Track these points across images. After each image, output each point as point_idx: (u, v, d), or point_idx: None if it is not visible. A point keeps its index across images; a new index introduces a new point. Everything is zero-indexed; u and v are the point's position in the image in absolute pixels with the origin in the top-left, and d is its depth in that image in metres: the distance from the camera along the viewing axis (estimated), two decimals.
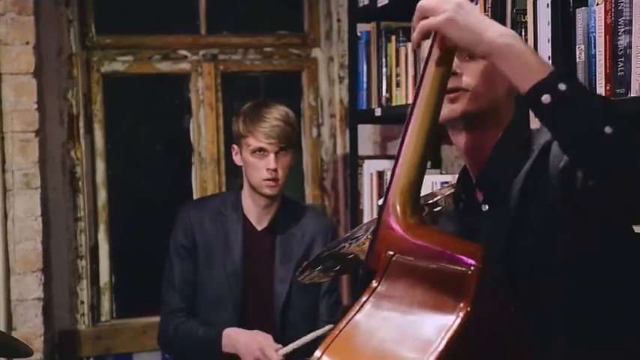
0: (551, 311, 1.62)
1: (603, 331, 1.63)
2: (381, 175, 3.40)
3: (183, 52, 4.00)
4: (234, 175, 3.85)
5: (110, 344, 3.84)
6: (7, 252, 3.51)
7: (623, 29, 1.96)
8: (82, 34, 3.85)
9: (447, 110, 1.64)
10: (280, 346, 2.82)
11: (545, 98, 1.44)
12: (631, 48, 1.94)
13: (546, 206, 1.60)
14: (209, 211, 3.04)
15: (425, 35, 1.59)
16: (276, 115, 2.91)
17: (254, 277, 3.00)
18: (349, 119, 3.68)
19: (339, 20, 4.06)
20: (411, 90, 3.10)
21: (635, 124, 1.55)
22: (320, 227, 3.09)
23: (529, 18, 2.30)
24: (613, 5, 1.99)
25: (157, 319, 3.14)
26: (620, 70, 1.97)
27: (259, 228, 3.04)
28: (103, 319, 3.92)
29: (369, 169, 3.47)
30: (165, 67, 3.98)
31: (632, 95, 1.94)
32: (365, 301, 1.46)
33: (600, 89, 2.04)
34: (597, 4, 2.04)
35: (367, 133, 3.89)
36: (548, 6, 2.20)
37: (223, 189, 3.96)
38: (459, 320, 1.35)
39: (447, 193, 2.13)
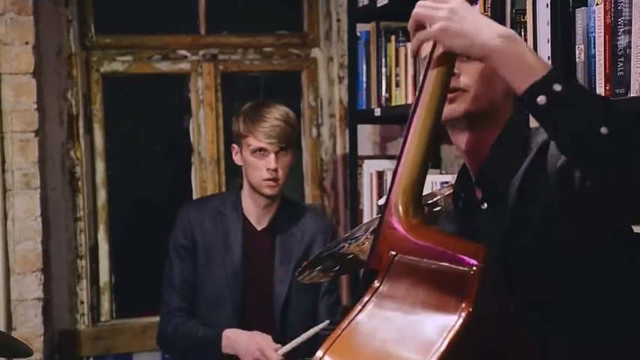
0: (550, 311, 1.62)
1: (603, 330, 1.63)
2: (380, 175, 3.40)
3: (183, 52, 4.00)
4: (234, 175, 3.85)
5: (110, 344, 3.84)
6: (6, 252, 3.51)
7: (622, 29, 1.96)
8: (82, 34, 3.85)
9: (447, 110, 1.64)
10: (279, 345, 2.82)
11: (541, 99, 1.44)
12: (630, 48, 1.95)
13: (544, 205, 1.60)
14: (209, 211, 3.04)
15: (422, 44, 1.61)
16: (276, 115, 2.91)
17: (254, 277, 3.00)
18: (349, 119, 3.68)
19: (338, 20, 4.06)
20: (411, 90, 3.10)
21: (635, 124, 1.56)
22: (320, 227, 3.09)
23: (528, 18, 2.30)
24: (612, 5, 1.99)
25: (156, 319, 3.14)
26: (620, 70, 1.97)
27: (259, 228, 3.04)
28: (102, 319, 3.92)
29: (369, 169, 3.47)
30: (164, 67, 3.98)
31: (631, 95, 1.94)
32: (367, 301, 1.46)
33: (600, 89, 2.04)
34: (597, 4, 2.04)
35: (367, 133, 3.89)
36: (547, 6, 2.20)
37: (223, 189, 3.96)
38: (461, 320, 1.35)
39: (447, 193, 2.13)
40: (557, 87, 1.44)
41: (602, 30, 2.02)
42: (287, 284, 2.98)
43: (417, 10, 1.60)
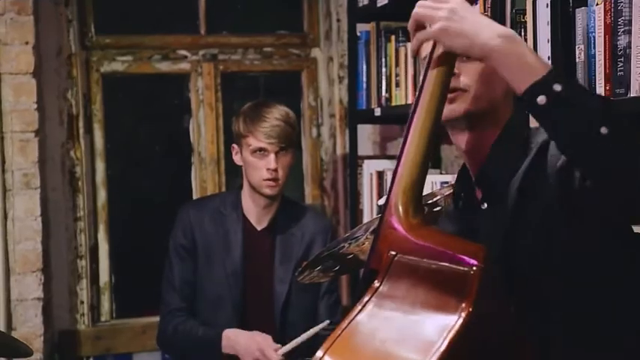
0: (550, 311, 1.62)
1: (603, 330, 1.63)
2: (380, 175, 3.40)
3: (183, 52, 4.00)
4: (234, 175, 3.85)
5: (110, 344, 3.84)
6: (6, 252, 3.51)
7: (622, 29, 1.97)
8: (82, 34, 3.85)
9: (447, 110, 1.64)
10: (279, 345, 2.82)
11: (541, 99, 1.44)
12: (630, 48, 1.95)
13: (544, 205, 1.60)
14: (209, 211, 3.04)
15: (422, 44, 1.61)
16: (276, 115, 2.91)
17: (254, 277, 3.00)
18: (349, 119, 3.69)
19: (338, 20, 4.06)
20: (411, 90, 3.10)
21: (635, 124, 1.55)
22: (320, 227, 3.09)
23: (528, 18, 2.30)
24: (612, 5, 1.99)
25: (156, 319, 3.14)
26: (620, 70, 1.97)
27: (259, 228, 3.04)
28: (102, 319, 3.92)
29: (369, 169, 3.47)
30: (164, 67, 3.98)
31: (631, 95, 1.94)
32: (367, 301, 1.46)
33: (600, 89, 2.04)
34: (597, 4, 2.04)
35: (367, 133, 3.89)
36: (547, 6, 2.20)
37: (223, 189, 3.96)
38: (461, 320, 1.35)
39: (447, 193, 2.13)
40: (557, 87, 1.44)
41: (602, 30, 2.02)
42: (287, 284, 2.98)
43: (417, 10, 1.60)
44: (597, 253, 1.62)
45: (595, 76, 2.06)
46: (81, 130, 3.80)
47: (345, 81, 3.87)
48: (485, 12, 2.51)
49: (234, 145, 3.02)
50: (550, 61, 2.19)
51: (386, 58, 3.29)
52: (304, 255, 2.95)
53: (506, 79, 1.51)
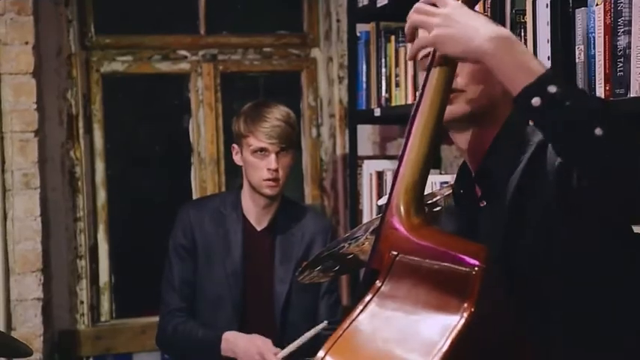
0: (550, 311, 1.62)
1: (603, 330, 1.63)
2: (380, 175, 3.40)
3: (183, 52, 4.00)
4: (233, 175, 3.85)
5: (110, 344, 3.84)
6: (6, 252, 3.51)
7: (622, 29, 1.97)
8: (82, 34, 3.85)
9: (447, 112, 1.64)
10: (279, 349, 2.82)
11: (535, 101, 1.44)
12: (630, 48, 1.95)
13: (544, 204, 1.60)
14: (209, 211, 3.04)
15: (419, 51, 1.62)
16: (277, 115, 2.91)
17: (254, 277, 3.00)
18: (349, 119, 3.69)
19: (338, 20, 4.06)
20: (411, 90, 3.10)
21: (635, 124, 1.55)
22: (320, 227, 3.09)
23: (528, 18, 2.30)
24: (612, 5, 1.99)
25: (156, 319, 3.13)
26: (620, 71, 1.98)
27: (259, 228, 3.04)
28: (102, 319, 3.92)
29: (369, 169, 3.47)
30: (164, 67, 3.99)
31: (631, 95, 1.95)
32: (369, 301, 1.46)
33: (600, 89, 2.04)
34: (597, 5, 2.04)
35: (367, 134, 3.89)
36: (547, 6, 2.20)
37: (223, 189, 3.96)
38: (463, 321, 1.35)
39: (447, 193, 2.13)
40: (552, 88, 1.44)
41: (602, 30, 2.02)
42: (287, 284, 2.98)
43: (413, 15, 1.60)
44: (597, 253, 1.62)
45: (595, 76, 2.06)
46: (81, 130, 3.81)
47: (345, 81, 3.87)
48: (485, 12, 2.50)
49: (235, 145, 3.02)
50: (550, 62, 2.19)
51: (386, 58, 3.29)
52: (304, 255, 2.95)
53: (502, 81, 1.51)
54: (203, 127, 3.99)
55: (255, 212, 3.02)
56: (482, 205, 1.74)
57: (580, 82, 2.11)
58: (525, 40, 2.31)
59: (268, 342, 2.83)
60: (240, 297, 2.98)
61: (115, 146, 3.98)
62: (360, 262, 2.25)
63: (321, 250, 2.45)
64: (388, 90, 3.27)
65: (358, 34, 3.49)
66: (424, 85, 1.60)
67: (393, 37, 3.26)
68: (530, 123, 1.71)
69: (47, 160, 3.69)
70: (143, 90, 4.14)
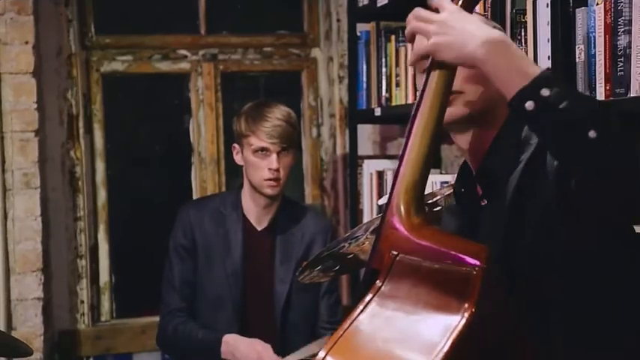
0: (550, 311, 1.62)
1: (603, 330, 1.63)
2: (380, 175, 3.40)
3: (183, 52, 4.00)
4: (234, 175, 3.85)
5: (110, 344, 3.84)
6: (6, 252, 3.51)
7: (622, 29, 1.97)
8: (82, 33, 3.85)
9: (446, 114, 1.65)
10: (279, 358, 2.81)
11: (529, 105, 1.44)
12: (631, 48, 1.95)
13: (544, 204, 1.60)
14: (209, 211, 3.04)
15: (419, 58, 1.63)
16: (278, 115, 2.91)
17: (254, 277, 3.00)
18: (349, 119, 3.69)
19: (338, 20, 4.06)
20: (411, 90, 3.10)
21: (635, 124, 1.56)
22: (320, 227, 3.09)
23: (529, 18, 2.30)
24: (613, 5, 1.99)
25: (156, 319, 3.13)
26: (620, 70, 1.98)
27: (259, 228, 3.03)
28: (102, 318, 3.92)
29: (369, 169, 3.47)
30: (164, 66, 3.99)
31: (631, 95, 1.95)
32: (369, 301, 1.46)
33: (600, 89, 2.04)
34: (597, 4, 2.04)
35: (367, 133, 3.89)
36: (547, 6, 2.20)
37: (223, 189, 3.96)
38: (463, 321, 1.35)
39: (447, 192, 2.13)
40: (546, 92, 1.44)
41: (603, 30, 2.02)
42: (287, 284, 2.98)
43: (412, 22, 1.61)
44: (597, 253, 1.62)
45: (595, 76, 2.06)
46: (81, 130, 3.80)
47: (345, 81, 3.87)
48: (485, 12, 2.50)
49: (235, 145, 3.02)
50: (550, 61, 2.19)
51: (386, 58, 3.29)
52: (304, 255, 2.95)
53: (497, 86, 1.51)
54: (203, 127, 3.99)
55: (255, 212, 3.02)
56: (483, 204, 1.74)
57: (580, 82, 2.11)
58: (525, 39, 2.31)
59: (268, 348, 2.83)
60: (241, 297, 2.98)
61: (116, 146, 3.97)
62: (360, 262, 2.25)
63: (321, 250, 2.46)
64: (388, 90, 3.27)
65: (358, 34, 3.49)
66: (424, 88, 1.60)
67: (393, 37, 3.26)
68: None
69: (47, 160, 3.69)
70: (143, 90, 4.14)
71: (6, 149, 3.51)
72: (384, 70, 3.30)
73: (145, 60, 3.96)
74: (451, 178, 2.96)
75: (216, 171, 3.99)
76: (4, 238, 3.50)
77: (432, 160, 1.60)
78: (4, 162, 3.51)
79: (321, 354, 1.41)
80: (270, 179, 2.91)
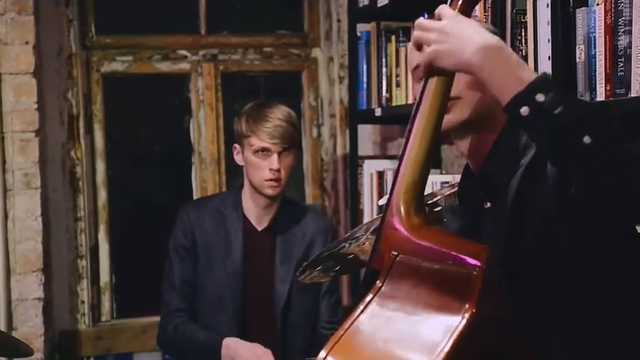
0: (551, 312, 1.62)
1: (603, 330, 1.63)
2: (381, 175, 3.40)
3: (183, 52, 4.00)
4: (234, 175, 3.85)
5: (110, 344, 3.84)
6: (7, 252, 3.51)
7: (623, 29, 1.97)
8: (82, 34, 3.85)
9: (444, 121, 1.65)
10: None
11: (524, 110, 1.45)
12: (631, 48, 1.95)
13: (544, 208, 1.60)
14: (209, 211, 3.04)
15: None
16: (279, 115, 2.91)
17: (254, 277, 3.00)
18: (349, 119, 3.69)
19: (339, 20, 4.06)
20: (411, 90, 3.10)
21: (635, 125, 1.56)
22: (320, 227, 3.09)
23: (529, 18, 2.30)
24: (613, 5, 1.99)
25: (157, 319, 3.14)
26: (620, 71, 1.98)
27: (259, 228, 3.03)
28: (103, 319, 3.92)
29: (369, 169, 3.48)
30: (165, 67, 3.99)
31: (632, 95, 1.95)
32: (369, 301, 1.46)
33: (600, 89, 2.04)
34: (597, 4, 2.05)
35: (367, 133, 3.89)
36: (548, 6, 2.20)
37: (223, 189, 3.96)
38: (464, 321, 1.35)
39: (447, 193, 2.13)
40: (541, 97, 1.44)
41: (603, 30, 2.03)
42: (288, 284, 2.98)
43: (415, 32, 1.62)
44: (597, 254, 1.62)
45: (595, 76, 2.06)
46: (81, 130, 3.81)
47: (346, 81, 3.88)
48: (485, 12, 2.50)
49: (236, 145, 3.02)
50: (550, 62, 2.19)
51: (386, 58, 3.29)
52: (305, 255, 2.95)
53: (493, 92, 1.51)
54: (204, 127, 3.99)
55: (255, 212, 3.02)
56: (486, 206, 1.74)
57: (580, 83, 2.11)
58: (526, 40, 2.31)
59: (268, 353, 2.82)
60: (241, 297, 2.98)
61: (116, 146, 3.98)
62: (360, 262, 2.25)
63: (321, 250, 2.45)
64: (389, 90, 3.27)
65: (359, 34, 3.49)
66: (423, 89, 1.61)
67: (393, 37, 3.26)
68: None
69: (48, 160, 3.69)
70: (143, 90, 4.14)
71: (6, 149, 3.51)
72: (384, 70, 3.30)
73: (145, 60, 3.96)
74: (451, 178, 2.96)
75: (216, 171, 3.99)
76: (4, 239, 3.50)
77: (432, 160, 1.61)
78: (4, 162, 3.51)
79: (322, 354, 1.41)
80: (271, 179, 2.90)
